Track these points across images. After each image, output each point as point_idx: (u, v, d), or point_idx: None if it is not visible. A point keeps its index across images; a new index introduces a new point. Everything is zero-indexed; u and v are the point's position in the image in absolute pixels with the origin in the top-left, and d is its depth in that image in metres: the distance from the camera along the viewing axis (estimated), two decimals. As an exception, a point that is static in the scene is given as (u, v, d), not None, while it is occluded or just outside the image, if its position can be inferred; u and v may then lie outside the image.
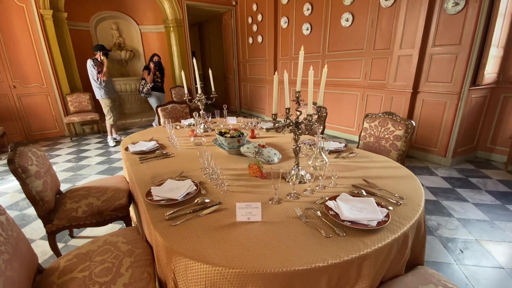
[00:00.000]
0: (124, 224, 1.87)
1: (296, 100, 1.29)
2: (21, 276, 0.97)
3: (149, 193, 1.27)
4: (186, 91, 2.41)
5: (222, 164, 1.64)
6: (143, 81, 4.95)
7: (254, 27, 6.26)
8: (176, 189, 1.28)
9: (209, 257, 0.85)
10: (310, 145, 2.03)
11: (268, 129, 2.55)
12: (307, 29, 4.93)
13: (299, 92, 1.28)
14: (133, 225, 1.87)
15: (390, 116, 2.20)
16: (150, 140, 2.18)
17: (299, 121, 1.29)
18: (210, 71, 2.47)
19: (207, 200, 1.20)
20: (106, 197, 1.77)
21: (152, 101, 5.14)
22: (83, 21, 6.25)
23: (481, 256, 1.83)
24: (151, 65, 4.87)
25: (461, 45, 3.00)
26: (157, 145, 2.03)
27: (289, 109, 1.36)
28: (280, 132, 2.43)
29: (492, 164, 3.40)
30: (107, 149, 4.42)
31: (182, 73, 2.33)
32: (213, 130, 2.56)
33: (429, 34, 3.24)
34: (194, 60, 2.36)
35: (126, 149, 2.01)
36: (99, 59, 4.17)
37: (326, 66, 1.28)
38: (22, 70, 4.81)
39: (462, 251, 1.86)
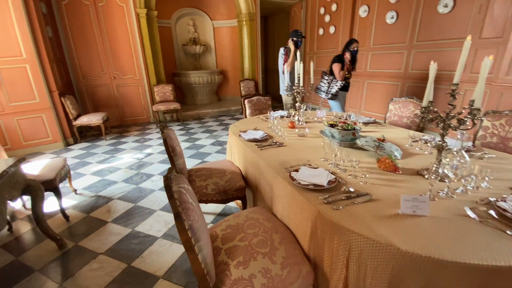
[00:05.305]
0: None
1: (452, 93, 1.22)
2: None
3: (290, 177, 1.37)
4: (311, 83, 2.46)
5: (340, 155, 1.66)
6: (330, 78, 3.54)
7: (327, 18, 6.07)
8: (316, 176, 1.35)
9: (395, 241, 0.88)
10: (426, 142, 1.93)
11: (365, 123, 2.49)
12: (392, 18, 4.58)
13: (457, 84, 1.21)
14: (248, 205, 2.04)
15: (523, 114, 1.94)
16: (255, 130, 2.33)
17: (453, 116, 1.23)
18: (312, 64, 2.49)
19: (351, 189, 1.24)
20: (227, 178, 1.97)
21: (335, 104, 3.69)
22: (166, 18, 6.87)
23: None
24: (346, 56, 3.38)
25: None
26: (265, 134, 2.16)
27: (431, 102, 1.31)
28: (422, 124, 2.46)
29: None
30: (190, 136, 4.86)
31: (303, 64, 2.36)
32: (306, 122, 2.60)
33: None
34: (298, 54, 2.41)
35: (239, 135, 2.18)
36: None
37: (491, 57, 1.18)
38: (120, 63, 5.53)
39: None
